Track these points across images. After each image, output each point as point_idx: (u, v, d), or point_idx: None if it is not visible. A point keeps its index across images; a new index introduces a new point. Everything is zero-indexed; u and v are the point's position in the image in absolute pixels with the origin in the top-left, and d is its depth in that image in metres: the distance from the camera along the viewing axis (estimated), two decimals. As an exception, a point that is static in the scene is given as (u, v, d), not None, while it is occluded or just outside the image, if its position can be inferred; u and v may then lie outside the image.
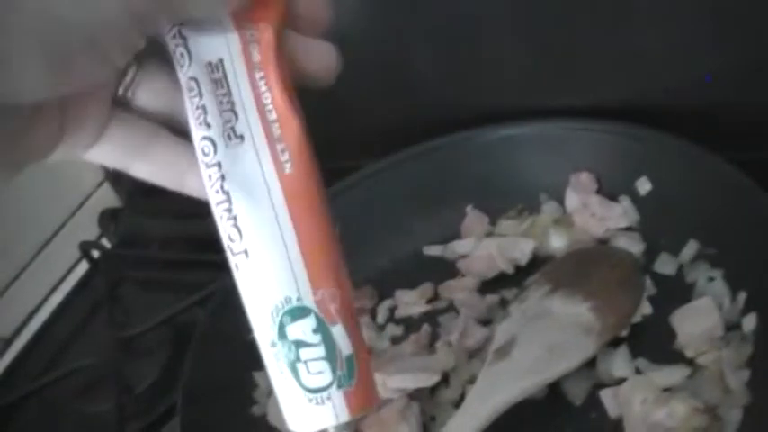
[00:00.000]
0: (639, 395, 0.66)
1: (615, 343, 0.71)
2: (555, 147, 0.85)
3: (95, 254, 1.10)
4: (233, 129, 0.42)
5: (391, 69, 0.90)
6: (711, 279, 0.74)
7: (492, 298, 0.80)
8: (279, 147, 0.42)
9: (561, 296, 0.73)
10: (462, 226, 0.87)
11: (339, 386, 0.43)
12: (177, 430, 0.74)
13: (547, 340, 0.70)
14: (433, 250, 0.88)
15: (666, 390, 0.67)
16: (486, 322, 0.78)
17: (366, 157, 0.89)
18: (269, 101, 0.43)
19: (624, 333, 0.72)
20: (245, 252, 0.42)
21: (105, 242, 1.13)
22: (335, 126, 0.81)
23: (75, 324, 1.07)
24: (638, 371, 0.70)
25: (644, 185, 0.80)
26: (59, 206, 1.15)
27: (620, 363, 0.71)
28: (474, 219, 0.87)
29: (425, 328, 0.80)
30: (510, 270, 0.82)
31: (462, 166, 0.87)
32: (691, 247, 0.76)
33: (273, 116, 0.42)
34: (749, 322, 0.69)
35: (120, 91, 0.46)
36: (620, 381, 0.69)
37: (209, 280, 0.92)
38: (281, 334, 0.43)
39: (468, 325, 0.76)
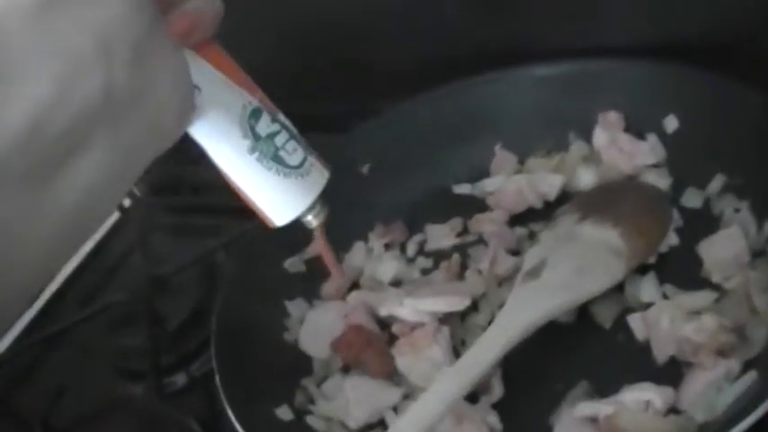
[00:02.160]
0: (668, 316, 0.67)
1: (643, 270, 0.73)
2: (583, 86, 0.86)
3: (126, 202, 1.11)
4: None
5: (422, 9, 0.91)
6: (737, 210, 0.75)
7: (521, 230, 0.82)
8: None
9: (591, 222, 0.75)
10: (491, 165, 0.88)
11: (311, 153, 0.51)
12: (212, 361, 0.75)
13: (576, 262, 0.71)
14: (462, 188, 0.89)
15: (694, 312, 0.68)
16: (515, 253, 0.79)
17: (396, 96, 0.90)
18: None
19: (652, 260, 0.73)
20: (197, 87, 0.47)
21: (135, 191, 1.14)
22: (367, 65, 0.82)
23: (108, 267, 1.08)
24: (665, 296, 0.71)
25: (671, 123, 0.82)
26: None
27: (647, 288, 0.72)
28: (503, 158, 0.88)
29: (456, 257, 0.81)
30: (539, 204, 0.83)
31: (491, 106, 0.89)
32: (718, 181, 0.77)
33: None
34: (775, 249, 0.70)
35: None
36: (648, 306, 0.70)
37: (236, 224, 0.93)
38: (255, 135, 0.49)
39: (497, 253, 0.78)
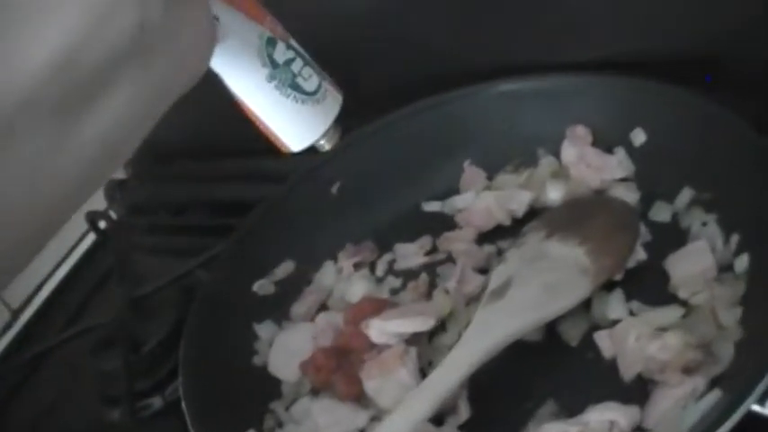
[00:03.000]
0: (634, 333, 0.67)
1: (610, 287, 0.73)
2: (550, 101, 0.86)
3: (102, 224, 1.11)
4: None
5: (390, 27, 0.91)
6: (705, 224, 0.74)
7: (489, 248, 0.81)
8: None
9: (557, 240, 0.74)
10: (460, 181, 0.88)
11: (324, 79, 0.52)
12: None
13: (542, 281, 0.71)
14: (431, 206, 0.89)
15: (661, 329, 0.67)
16: (483, 271, 0.79)
17: (364, 116, 0.90)
18: None
19: (619, 277, 0.73)
20: (216, 17, 0.48)
21: (112, 213, 1.14)
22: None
23: (84, 292, 1.08)
24: (632, 313, 0.71)
25: (638, 136, 0.81)
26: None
27: (614, 305, 0.72)
28: (472, 174, 0.88)
29: (423, 276, 0.81)
30: (507, 221, 0.83)
31: (460, 123, 0.89)
32: (685, 194, 0.77)
33: None
34: (741, 263, 0.70)
35: None
36: (615, 323, 0.70)
37: (212, 244, 0.93)
38: (273, 63, 0.50)
39: (465, 272, 0.78)
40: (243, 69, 0.50)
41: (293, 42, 0.52)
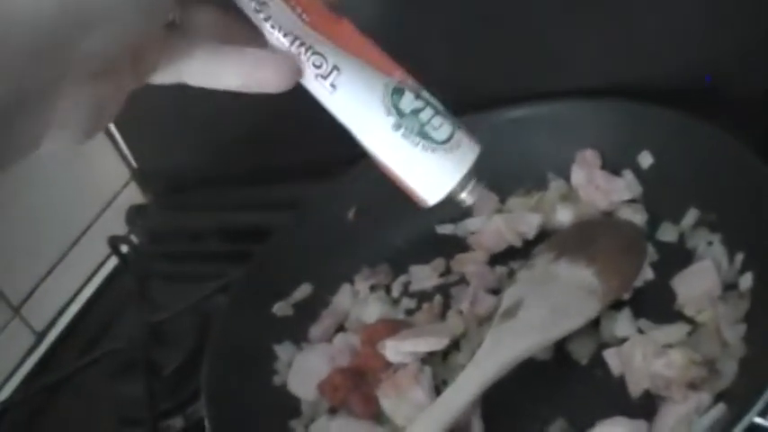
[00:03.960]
0: (640, 351, 0.69)
1: (618, 306, 0.75)
2: (560, 127, 0.88)
3: (124, 248, 1.14)
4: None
5: (401, 56, 0.93)
6: (710, 243, 0.76)
7: (501, 269, 0.84)
8: (292, 3, 0.49)
9: (566, 262, 0.76)
10: (473, 205, 0.89)
11: (459, 128, 0.50)
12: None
13: (552, 302, 0.73)
14: (445, 228, 0.91)
15: (667, 346, 0.69)
16: (495, 292, 0.81)
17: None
18: None
19: (627, 296, 0.75)
20: (336, 68, 0.49)
21: (133, 238, 1.17)
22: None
23: (106, 315, 1.11)
24: (640, 331, 0.73)
25: (646, 159, 0.83)
26: (89, 204, 1.20)
27: (622, 324, 0.74)
28: (484, 197, 0.89)
29: (437, 298, 0.84)
30: (518, 243, 0.85)
31: (472, 149, 0.90)
32: (691, 215, 0.79)
33: None
34: (746, 281, 0.72)
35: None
36: (623, 341, 0.72)
37: (228, 270, 0.96)
38: (400, 112, 0.49)
39: (477, 294, 0.80)
40: (367, 119, 0.50)
41: (425, 93, 0.51)
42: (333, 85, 0.49)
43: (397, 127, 0.49)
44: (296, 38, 0.49)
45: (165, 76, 0.50)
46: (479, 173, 0.52)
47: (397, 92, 0.50)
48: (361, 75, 0.49)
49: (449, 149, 0.50)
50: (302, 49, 0.49)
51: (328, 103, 0.50)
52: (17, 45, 0.40)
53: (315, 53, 0.49)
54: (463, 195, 0.52)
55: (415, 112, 0.49)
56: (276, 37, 0.49)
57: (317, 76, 0.49)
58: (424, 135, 0.50)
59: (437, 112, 0.50)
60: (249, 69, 0.49)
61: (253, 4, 0.49)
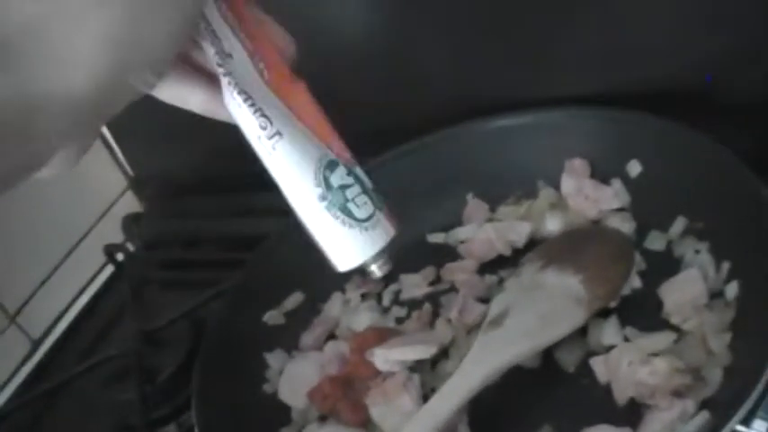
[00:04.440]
0: (626, 359, 0.69)
1: (605, 314, 0.75)
2: (549, 135, 0.89)
3: (120, 257, 1.15)
4: (223, 50, 0.51)
5: (390, 68, 0.94)
6: (697, 252, 0.77)
7: (490, 278, 0.84)
8: (255, 59, 0.52)
9: (554, 270, 0.77)
10: (464, 213, 0.91)
11: (380, 209, 0.54)
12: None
13: (539, 310, 0.74)
14: (436, 237, 0.92)
15: (653, 354, 0.70)
16: (484, 300, 0.82)
17: (368, 153, 0.92)
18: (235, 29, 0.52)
19: (614, 304, 0.76)
20: (279, 133, 0.51)
21: (129, 246, 1.17)
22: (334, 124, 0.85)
23: (102, 322, 1.11)
24: (626, 339, 0.73)
25: (634, 168, 0.84)
26: (85, 213, 1.20)
27: (609, 332, 0.74)
28: (475, 206, 0.90)
29: (427, 306, 0.84)
30: (507, 252, 0.85)
31: (462, 157, 0.91)
32: (679, 223, 0.80)
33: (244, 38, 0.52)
34: (731, 290, 0.72)
35: None
36: (610, 349, 0.73)
37: (223, 277, 0.96)
38: (328, 185, 0.52)
39: (466, 302, 0.80)
40: (297, 184, 0.52)
41: (358, 170, 0.54)
42: (273, 148, 0.51)
43: (323, 198, 0.52)
44: (249, 97, 0.51)
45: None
46: (391, 251, 0.55)
47: (331, 166, 0.52)
48: (300, 144, 0.51)
49: (366, 228, 0.53)
50: (252, 109, 0.51)
51: (266, 162, 0.52)
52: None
53: (262, 115, 0.51)
54: (373, 268, 0.55)
55: (343, 188, 0.52)
56: (231, 92, 0.51)
57: (259, 136, 0.51)
58: (345, 211, 0.52)
59: (364, 191, 0.53)
60: (213, 97, 0.53)
61: (216, 58, 0.51)
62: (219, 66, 0.51)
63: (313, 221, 0.53)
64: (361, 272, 0.56)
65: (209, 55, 0.51)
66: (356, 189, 0.53)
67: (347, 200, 0.52)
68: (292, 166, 0.52)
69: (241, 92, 0.51)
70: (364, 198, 0.53)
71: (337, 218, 0.53)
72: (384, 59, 0.94)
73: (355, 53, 0.91)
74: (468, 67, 0.93)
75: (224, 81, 0.51)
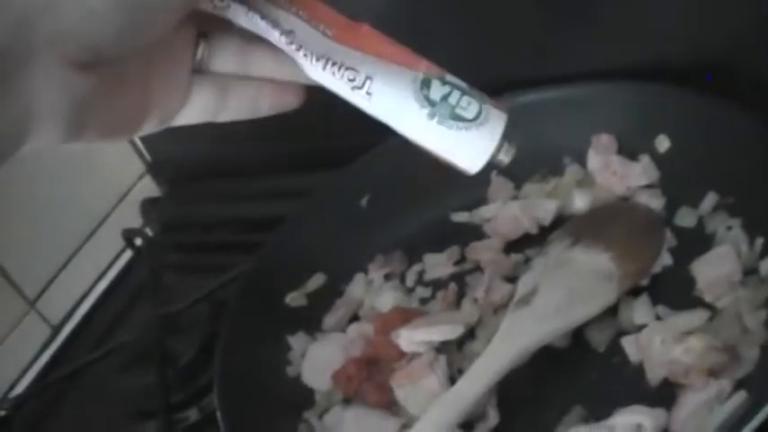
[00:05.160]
0: (659, 338, 0.68)
1: (636, 292, 0.73)
2: (575, 110, 0.87)
3: (138, 241, 1.14)
4: (285, 29, 0.53)
5: (410, 37, 0.92)
6: (729, 228, 0.75)
7: (517, 257, 0.82)
8: (314, 23, 0.53)
9: (582, 247, 0.75)
10: (488, 192, 0.89)
11: (484, 102, 0.54)
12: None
13: (568, 288, 0.72)
14: (460, 216, 0.90)
15: (687, 333, 0.68)
16: (511, 279, 0.80)
17: (388, 131, 0.91)
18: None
19: (645, 282, 0.74)
20: (368, 78, 0.53)
21: (148, 231, 1.17)
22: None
23: (121, 307, 1.10)
24: (658, 317, 0.72)
25: (662, 143, 0.82)
26: (104, 197, 1.20)
27: (641, 310, 0.72)
28: (499, 184, 0.89)
29: (452, 286, 0.83)
30: (534, 230, 0.84)
31: (486, 134, 0.89)
32: (710, 199, 0.78)
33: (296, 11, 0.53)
34: (766, 266, 0.70)
35: (196, 65, 0.53)
36: (641, 328, 0.71)
37: (241, 260, 0.95)
38: (431, 102, 0.53)
39: (493, 281, 0.79)
40: (405, 115, 0.54)
41: (449, 77, 0.55)
42: (368, 93, 0.53)
43: (432, 116, 0.53)
44: (328, 59, 0.52)
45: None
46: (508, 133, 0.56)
47: (426, 83, 0.53)
48: (392, 77, 0.53)
49: (480, 124, 0.54)
50: (335, 68, 0.53)
51: (368, 110, 0.54)
52: None
53: (347, 68, 0.53)
54: (500, 157, 0.56)
55: (445, 97, 0.54)
56: (310, 63, 0.53)
57: (353, 88, 0.53)
58: (456, 117, 0.54)
59: (463, 93, 0.54)
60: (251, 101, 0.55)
61: (283, 38, 0.52)
62: (290, 44, 0.52)
63: (433, 140, 0.55)
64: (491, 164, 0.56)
65: (276, 41, 0.52)
66: (456, 94, 0.54)
67: (453, 107, 0.54)
68: (393, 101, 0.54)
69: (319, 57, 0.52)
70: (467, 99, 0.54)
71: (452, 127, 0.54)
72: (403, 34, 0.92)
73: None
74: (492, 44, 0.91)
75: (299, 55, 0.53)
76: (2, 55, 0.42)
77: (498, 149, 0.56)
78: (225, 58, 0.54)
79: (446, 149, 0.55)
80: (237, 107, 0.55)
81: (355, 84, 0.53)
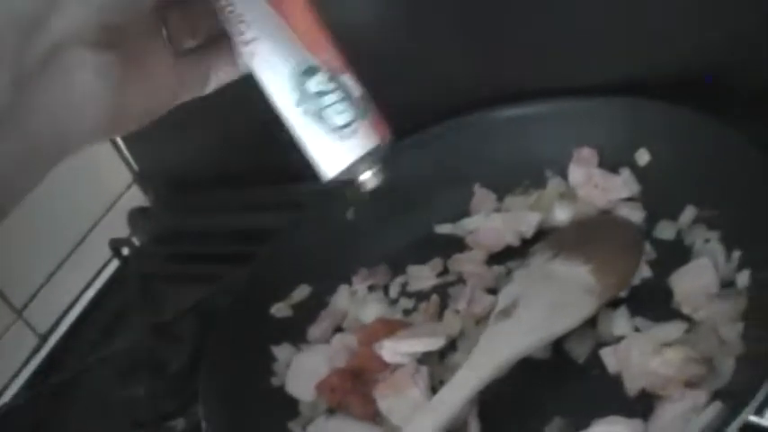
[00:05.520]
0: (637, 349, 0.69)
1: (615, 304, 0.74)
2: (557, 124, 0.88)
3: (126, 251, 1.14)
4: None
5: (398, 56, 0.94)
6: (708, 241, 0.76)
7: (499, 269, 0.83)
8: None
9: (563, 260, 0.76)
10: (471, 204, 0.90)
11: (362, 118, 0.55)
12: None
13: (548, 300, 0.73)
14: (443, 228, 0.91)
15: (665, 344, 0.69)
16: (493, 291, 0.81)
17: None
18: None
19: (624, 294, 0.75)
20: (255, 37, 0.53)
21: (135, 240, 1.17)
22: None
23: (108, 317, 1.11)
24: (637, 329, 0.73)
25: (643, 156, 0.83)
26: (91, 207, 1.20)
27: (619, 322, 0.73)
28: (482, 196, 0.90)
29: (434, 298, 0.83)
30: (516, 242, 0.85)
31: (470, 147, 0.91)
32: (689, 212, 0.78)
33: None
34: (743, 278, 0.71)
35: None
36: (620, 339, 0.72)
37: (231, 271, 0.96)
38: (303, 91, 0.54)
39: (475, 293, 0.80)
40: (277, 90, 0.54)
41: (344, 78, 0.55)
42: (252, 53, 0.54)
43: (298, 104, 0.54)
44: (232, 5, 0.53)
45: None
46: (384, 162, 0.57)
47: (309, 72, 0.54)
48: (278, 48, 0.53)
49: (344, 136, 0.54)
50: (232, 16, 0.53)
51: (251, 67, 0.55)
52: None
53: (241, 22, 0.53)
54: (362, 178, 0.57)
55: (320, 93, 0.54)
56: (221, 5, 0.54)
57: (240, 42, 0.54)
58: (321, 117, 0.54)
59: (344, 99, 0.54)
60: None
61: None
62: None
63: (293, 126, 0.55)
64: (351, 184, 0.58)
65: None
66: (335, 96, 0.54)
67: (323, 106, 0.54)
68: (269, 70, 0.54)
69: (227, 1, 0.53)
70: (343, 105, 0.54)
71: (312, 124, 0.54)
72: (393, 50, 0.93)
73: (365, 43, 0.90)
74: (476, 58, 0.92)
75: None
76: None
77: (358, 169, 0.56)
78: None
79: (304, 144, 0.56)
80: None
81: (243, 38, 0.54)
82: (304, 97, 0.53)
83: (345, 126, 0.54)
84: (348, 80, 0.55)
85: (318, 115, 0.54)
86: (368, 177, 0.57)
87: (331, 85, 0.54)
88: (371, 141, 0.56)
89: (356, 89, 0.55)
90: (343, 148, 0.55)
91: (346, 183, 0.58)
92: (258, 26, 0.53)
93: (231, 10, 0.53)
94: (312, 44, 0.54)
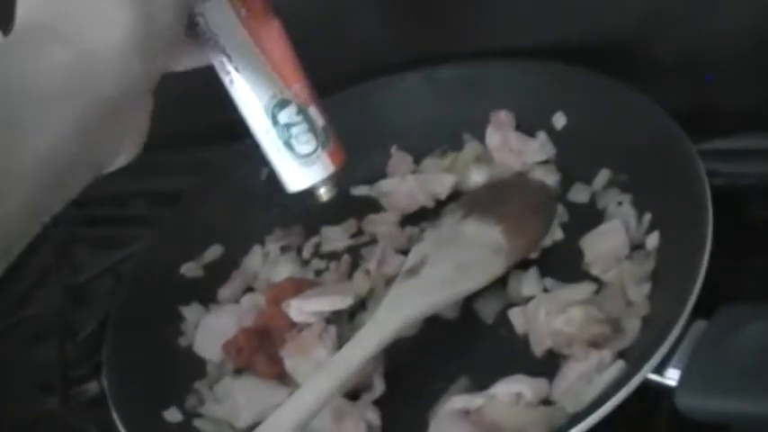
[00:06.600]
0: (544, 309, 0.68)
1: (526, 265, 0.74)
2: (475, 87, 0.87)
3: (44, 216, 1.12)
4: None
5: (318, 23, 0.92)
6: (620, 204, 0.76)
7: (412, 230, 0.83)
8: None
9: (474, 220, 0.76)
10: (388, 166, 0.89)
11: (323, 147, 0.62)
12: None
13: (456, 259, 0.72)
14: (360, 190, 0.90)
15: (572, 305, 0.69)
16: (405, 252, 0.80)
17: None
18: None
19: (534, 256, 0.74)
20: (236, 68, 0.59)
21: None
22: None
23: (28, 282, 1.08)
24: (546, 290, 0.72)
25: (559, 120, 0.83)
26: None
27: (529, 283, 0.73)
28: (399, 158, 0.89)
29: (345, 258, 0.83)
30: (430, 204, 0.84)
31: (387, 110, 0.90)
32: (603, 176, 0.79)
33: None
34: (652, 240, 0.71)
35: None
36: (529, 300, 0.72)
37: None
38: (275, 121, 0.61)
39: (386, 253, 0.79)
40: (252, 117, 0.61)
41: (311, 110, 0.62)
42: (231, 81, 0.60)
43: (269, 131, 0.61)
44: (216, 37, 0.58)
45: None
46: (338, 179, 0.64)
47: (281, 104, 0.60)
48: (255, 80, 0.60)
49: (307, 163, 0.62)
50: (216, 47, 0.59)
51: (229, 90, 0.61)
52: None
53: (224, 53, 0.59)
54: (320, 192, 0.65)
55: (289, 125, 0.61)
56: (203, 33, 0.58)
57: (221, 71, 0.60)
58: (288, 145, 0.61)
59: (309, 130, 0.62)
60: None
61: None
62: (197, 12, 0.57)
63: (263, 147, 0.62)
64: (309, 194, 0.65)
65: None
66: (302, 128, 0.61)
67: (291, 136, 0.61)
68: (246, 100, 0.60)
69: (210, 32, 0.58)
70: (308, 136, 0.61)
71: (281, 150, 0.62)
72: (310, 13, 0.92)
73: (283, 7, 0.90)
74: (394, 21, 0.91)
75: (200, 21, 0.58)
76: None
77: (317, 186, 0.63)
78: None
79: (272, 161, 0.63)
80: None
81: (224, 68, 0.59)
82: (274, 127, 0.60)
83: (309, 155, 0.62)
84: (313, 112, 0.62)
85: (287, 143, 0.61)
86: (324, 192, 0.64)
87: (299, 117, 0.61)
88: (330, 168, 0.63)
89: (320, 119, 0.62)
90: (306, 172, 0.63)
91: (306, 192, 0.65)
92: (238, 57, 0.59)
93: (214, 42, 0.58)
94: (286, 75, 0.60)
